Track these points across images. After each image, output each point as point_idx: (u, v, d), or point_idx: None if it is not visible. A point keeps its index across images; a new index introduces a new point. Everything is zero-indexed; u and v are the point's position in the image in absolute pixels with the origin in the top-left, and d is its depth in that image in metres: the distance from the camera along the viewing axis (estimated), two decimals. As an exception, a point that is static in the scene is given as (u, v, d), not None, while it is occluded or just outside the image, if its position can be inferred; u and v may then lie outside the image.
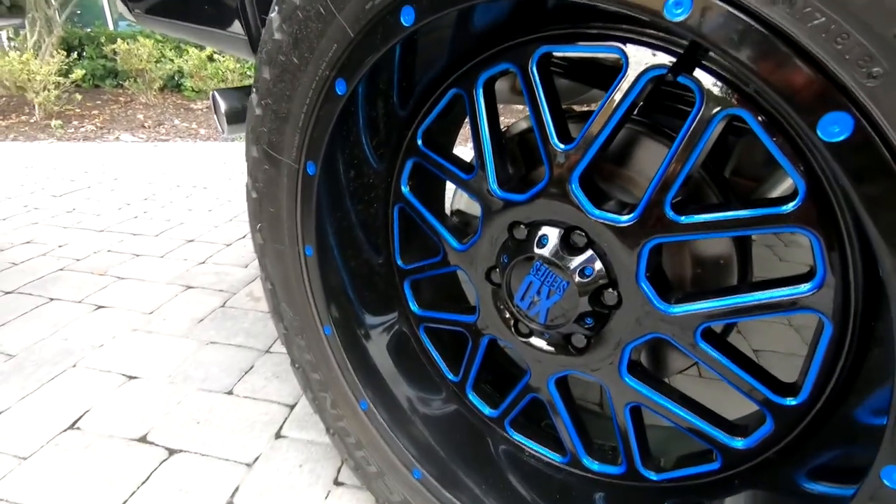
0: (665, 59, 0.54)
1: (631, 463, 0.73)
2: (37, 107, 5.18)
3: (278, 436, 1.21)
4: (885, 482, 0.40)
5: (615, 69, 0.59)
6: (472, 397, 0.90)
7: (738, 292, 0.57)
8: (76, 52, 6.76)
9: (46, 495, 1.03)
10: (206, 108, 5.98)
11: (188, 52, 6.01)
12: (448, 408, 0.91)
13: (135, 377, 1.40)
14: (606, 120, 0.59)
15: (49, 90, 5.16)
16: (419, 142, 0.80)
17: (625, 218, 0.60)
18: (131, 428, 1.22)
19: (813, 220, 0.50)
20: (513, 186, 0.71)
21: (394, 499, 0.88)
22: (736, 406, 0.74)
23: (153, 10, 1.37)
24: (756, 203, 0.53)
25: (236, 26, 1.10)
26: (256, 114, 0.77)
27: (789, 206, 0.51)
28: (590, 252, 0.65)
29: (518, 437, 0.86)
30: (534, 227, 0.69)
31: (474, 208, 0.79)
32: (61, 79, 5.34)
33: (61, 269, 2.05)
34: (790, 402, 0.57)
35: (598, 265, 0.64)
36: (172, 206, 2.87)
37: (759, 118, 0.50)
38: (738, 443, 0.62)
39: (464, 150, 3.55)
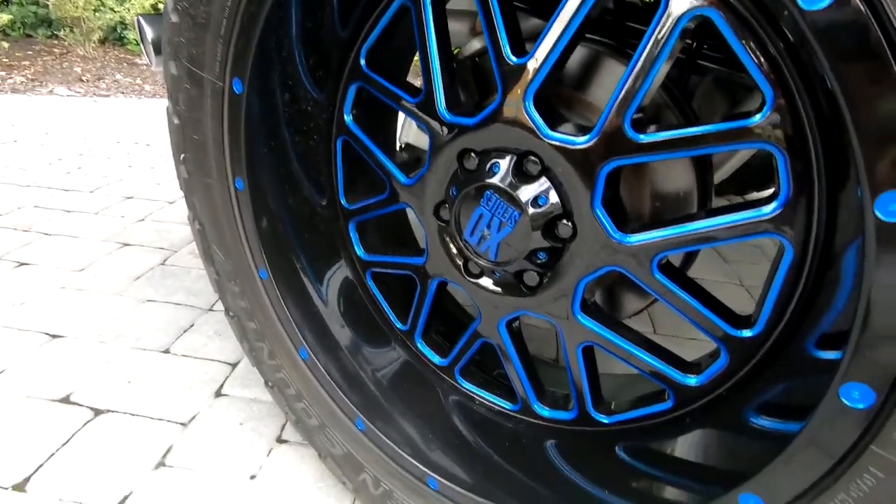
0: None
1: (582, 407, 0.71)
2: (-43, 55, 4.68)
3: (218, 394, 1.14)
4: (844, 400, 0.38)
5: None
6: (421, 346, 0.85)
7: (698, 218, 0.53)
8: (3, -3, 6.14)
9: (-50, 460, 0.93)
10: (152, 63, 5.58)
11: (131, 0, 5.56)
12: (395, 357, 0.86)
13: (59, 336, 1.29)
14: (562, 30, 0.53)
15: (-29, 36, 4.68)
16: (362, 62, 0.73)
17: (581, 139, 0.55)
18: (52, 388, 1.12)
19: (779, 134, 0.46)
20: (463, 111, 0.65)
21: (336, 451, 0.83)
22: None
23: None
24: (719, 119, 0.49)
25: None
26: (172, 21, 0.67)
27: (755, 119, 0.47)
28: (543, 180, 0.60)
29: (468, 386, 0.82)
30: (485, 155, 0.63)
31: (424, 141, 0.73)
32: (-16, 24, 4.84)
33: (-21, 225, 1.87)
34: (746, 334, 0.54)
35: (552, 194, 0.59)
36: (110, 163, 2.67)
37: (729, 18, 0.45)
38: (691, 380, 0.60)
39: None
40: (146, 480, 0.92)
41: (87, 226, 1.91)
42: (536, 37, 0.56)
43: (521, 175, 0.61)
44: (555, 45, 0.54)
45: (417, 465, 0.73)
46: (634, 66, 0.50)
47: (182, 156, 0.77)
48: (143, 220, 1.99)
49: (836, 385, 0.38)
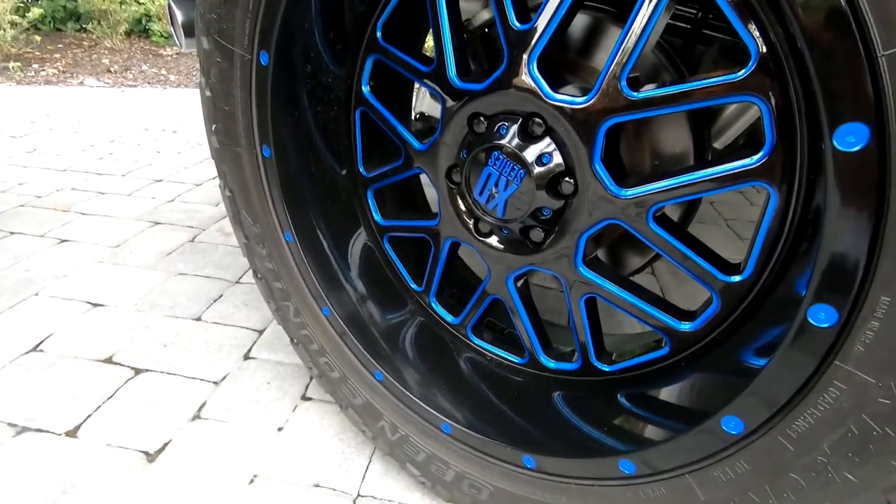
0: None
1: (586, 357, 0.75)
2: (-8, 48, 4.87)
3: (246, 357, 1.21)
4: (811, 321, 0.42)
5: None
6: (435, 305, 0.90)
7: (689, 170, 0.57)
8: (33, -8, 6.33)
9: (7, 409, 1.02)
10: (177, 53, 5.72)
11: (155, -7, 5.68)
12: (410, 315, 0.91)
13: (100, 304, 1.38)
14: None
15: (5, 30, 4.86)
16: (379, 35, 0.77)
17: (581, 99, 0.59)
18: (96, 350, 1.21)
19: (764, 86, 0.50)
20: (472, 78, 0.69)
21: (356, 402, 0.89)
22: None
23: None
24: (708, 75, 0.52)
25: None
26: (205, -1, 0.73)
27: (741, 73, 0.50)
28: (547, 139, 0.64)
29: (479, 343, 0.87)
30: (493, 119, 0.68)
31: (437, 110, 0.77)
32: (17, 18, 5.02)
33: (21, 206, 1.98)
34: (735, 279, 0.58)
35: (555, 152, 0.64)
36: (140, 149, 2.78)
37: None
38: (686, 326, 0.64)
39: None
40: (183, 430, 1.00)
41: (120, 206, 2.01)
42: (539, 5, 0.60)
43: (527, 136, 0.65)
44: (556, 11, 0.58)
45: (432, 411, 0.79)
46: (629, 29, 0.54)
47: (213, 126, 0.84)
48: (172, 200, 2.09)
49: (804, 307, 0.42)
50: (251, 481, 0.90)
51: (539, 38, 0.60)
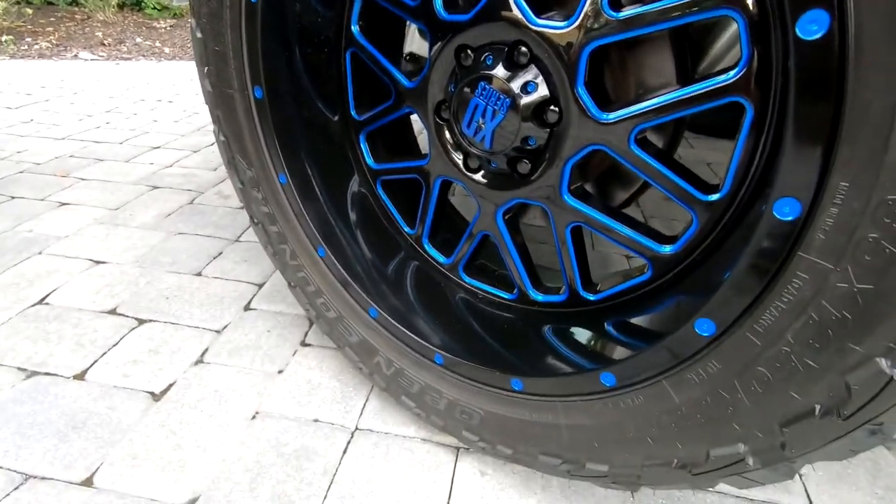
0: None
1: (573, 288, 0.78)
2: (-16, 22, 4.81)
3: (247, 308, 1.24)
4: (776, 215, 0.44)
5: None
6: (428, 248, 0.93)
7: (668, 91, 0.58)
8: (23, -35, 6.20)
9: (16, 356, 1.06)
10: (170, 26, 5.64)
11: (146, -36, 5.57)
12: (404, 257, 0.94)
13: (102, 262, 1.41)
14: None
15: (-4, 3, 4.79)
16: (366, -29, 0.78)
17: (563, 24, 0.60)
18: (100, 303, 1.24)
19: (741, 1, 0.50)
20: (458, 10, 0.70)
21: (352, 340, 0.92)
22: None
23: None
24: (688, -9, 0.53)
25: None
26: (192, -65, 0.73)
27: (719, -13, 0.51)
28: (532, 67, 0.65)
29: (470, 281, 0.90)
30: (479, 50, 0.69)
31: (426, 49, 0.78)
32: (8, -10, 4.94)
33: (21, 172, 1.99)
34: (713, 197, 0.60)
35: (540, 80, 0.65)
36: (136, 118, 2.77)
37: None
38: (667, 249, 0.66)
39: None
40: (187, 374, 1.04)
41: (119, 172, 2.02)
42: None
43: (512, 65, 0.66)
44: (539, -68, 0.59)
45: (425, 344, 0.82)
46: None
47: (206, 69, 0.84)
48: (170, 166, 2.10)
49: (771, 201, 0.44)
50: (253, 417, 0.94)
51: (522, -37, 0.60)
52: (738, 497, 0.82)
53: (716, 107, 0.57)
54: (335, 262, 0.89)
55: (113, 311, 1.21)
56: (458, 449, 0.89)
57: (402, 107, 0.83)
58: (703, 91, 0.55)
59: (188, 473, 0.83)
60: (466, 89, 0.70)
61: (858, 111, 0.37)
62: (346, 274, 0.88)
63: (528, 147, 0.69)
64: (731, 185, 0.58)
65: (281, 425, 0.93)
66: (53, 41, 4.89)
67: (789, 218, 0.43)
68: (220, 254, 1.47)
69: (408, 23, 0.88)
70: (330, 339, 0.99)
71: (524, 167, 0.72)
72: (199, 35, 0.83)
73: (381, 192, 0.95)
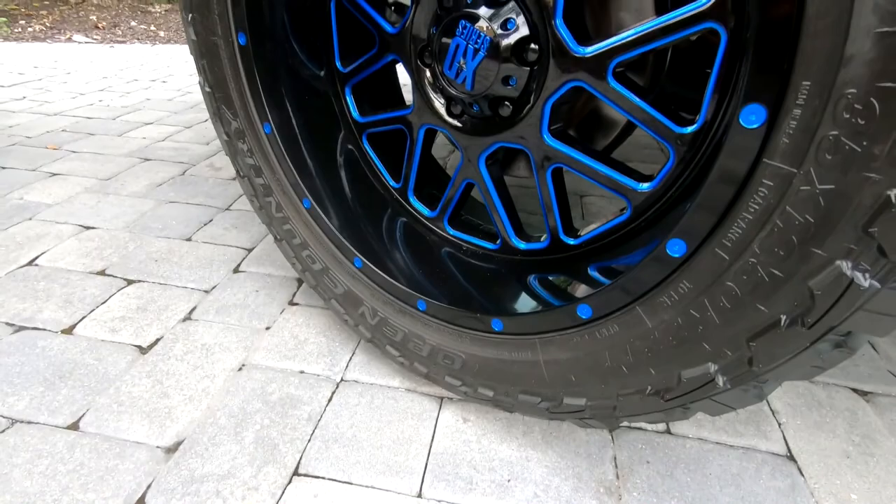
0: None
1: (554, 234, 0.78)
2: (-23, 5, 4.78)
3: (236, 271, 1.25)
4: (743, 123, 0.44)
5: None
6: (414, 201, 0.93)
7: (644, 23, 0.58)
8: (16, -52, 6.14)
9: (4, 312, 1.06)
10: (165, 10, 5.60)
11: (140, -53, 5.52)
12: (389, 208, 0.94)
13: (92, 227, 1.41)
14: None
15: (-12, -15, 4.75)
16: (349, -86, 0.77)
17: (543, -45, 0.61)
18: (89, 264, 1.24)
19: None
20: (441, -51, 0.70)
21: (338, 291, 0.93)
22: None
23: None
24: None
25: None
26: None
27: None
28: (511, 4, 0.65)
29: (455, 233, 0.90)
30: (460, -10, 0.69)
31: (410, -4, 0.78)
32: (1, -27, 4.90)
33: (12, 145, 1.99)
34: (689, 129, 0.60)
35: (519, 16, 0.65)
36: (129, 97, 2.76)
37: None
38: (645, 186, 0.67)
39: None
40: (175, 329, 1.04)
41: (111, 146, 2.02)
42: None
43: (492, 2, 0.66)
44: None
45: (408, 290, 0.82)
46: None
47: (190, 16, 0.84)
48: (162, 140, 2.09)
49: (737, 109, 0.44)
50: (239, 369, 0.95)
51: None
52: (717, 444, 0.83)
53: (693, 34, 0.57)
54: (320, 213, 0.89)
55: (102, 273, 1.22)
56: (441, 398, 0.90)
57: (385, 54, 0.83)
58: (677, 19, 0.56)
59: (174, 419, 0.84)
60: (448, 30, 0.70)
61: (817, 7, 0.37)
62: (330, 225, 0.88)
63: (509, 86, 0.70)
64: (707, 114, 0.59)
65: (267, 376, 0.93)
66: (48, 24, 4.86)
67: (755, 126, 0.44)
68: (211, 221, 1.47)
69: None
70: (317, 296, 1.00)
71: (505, 109, 0.72)
72: (182, -19, 0.82)
73: (366, 145, 0.96)
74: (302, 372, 0.95)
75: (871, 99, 0.37)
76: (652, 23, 0.58)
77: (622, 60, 0.61)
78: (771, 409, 0.90)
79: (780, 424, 0.87)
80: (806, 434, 0.86)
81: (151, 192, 1.63)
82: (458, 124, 0.79)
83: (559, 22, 0.62)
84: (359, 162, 0.96)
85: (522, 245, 0.83)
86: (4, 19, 4.62)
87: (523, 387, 0.73)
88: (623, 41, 0.60)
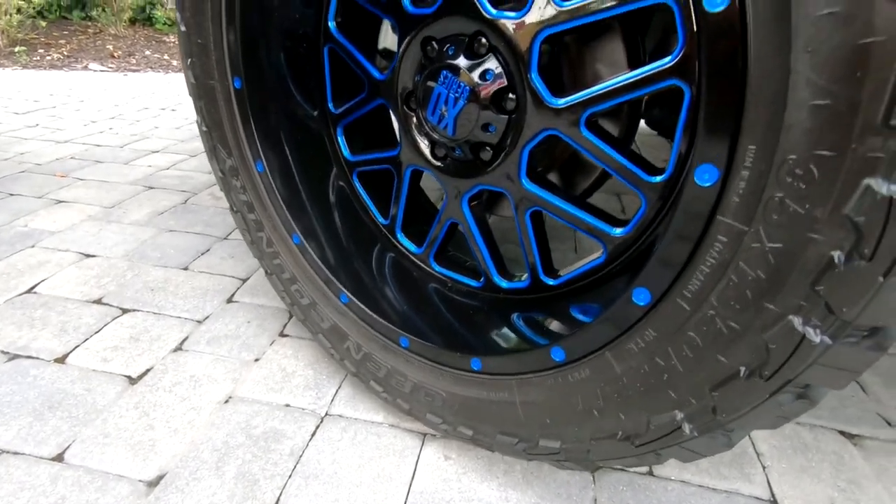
0: None
1: (535, 274, 0.80)
2: (-1, 34, 4.97)
3: (230, 301, 1.27)
4: (697, 182, 0.46)
5: None
6: (401, 237, 0.95)
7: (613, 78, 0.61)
8: (39, -19, 6.41)
9: (0, 340, 1.08)
10: (179, 40, 5.78)
11: (158, -20, 5.75)
12: (376, 245, 0.96)
13: (92, 255, 1.44)
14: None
15: (11, 15, 4.94)
16: (340, -31, 0.82)
17: (516, 13, 0.64)
18: (86, 292, 1.27)
19: (675, -12, 0.54)
20: (423, 3, 0.73)
21: (325, 325, 0.94)
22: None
23: None
24: (629, -20, 0.56)
25: None
26: (176, -68, 0.77)
27: (654, -25, 0.54)
28: (490, 56, 0.68)
29: (440, 270, 0.92)
30: (442, 42, 0.72)
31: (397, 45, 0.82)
32: (23, 3, 5.10)
33: (22, 172, 2.05)
34: (657, 179, 0.62)
35: (497, 67, 0.68)
36: (139, 125, 2.84)
37: None
38: (619, 231, 0.68)
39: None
40: (165, 360, 1.06)
41: (117, 173, 2.07)
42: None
43: (472, 54, 0.69)
44: (494, -71, 0.63)
45: (392, 327, 0.84)
46: (559, -58, 0.58)
47: (189, 60, 0.88)
48: (167, 168, 2.15)
49: (691, 169, 0.46)
50: (226, 401, 0.96)
51: (479, -43, 0.64)
52: (699, 486, 0.83)
53: (659, 90, 0.60)
54: (308, 249, 0.91)
55: (98, 301, 1.24)
56: (424, 435, 0.91)
57: (374, 99, 0.87)
58: (644, 76, 0.58)
59: (157, 452, 0.85)
60: (431, 79, 0.73)
61: (759, 78, 0.40)
62: (319, 262, 0.91)
63: (488, 133, 0.72)
64: (674, 166, 0.61)
65: (252, 409, 0.94)
66: (65, 53, 5.03)
67: (708, 184, 0.45)
68: (208, 250, 1.50)
69: (382, 19, 0.92)
70: (305, 328, 1.01)
71: (485, 154, 0.75)
72: (183, 28, 0.87)
73: (356, 182, 0.98)
74: (287, 405, 0.95)
75: (811, 165, 0.39)
76: (620, 78, 0.60)
77: (594, 111, 0.64)
78: (756, 452, 0.90)
79: (764, 468, 0.87)
80: (790, 478, 0.85)
81: (153, 220, 1.67)
82: (442, 166, 0.81)
83: (534, 75, 0.65)
84: (349, 199, 0.99)
85: (504, 284, 0.84)
86: (24, 48, 4.79)
87: (501, 427, 0.74)
88: (593, 94, 0.62)
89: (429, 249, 0.92)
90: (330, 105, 0.95)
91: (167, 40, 5.82)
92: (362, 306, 0.87)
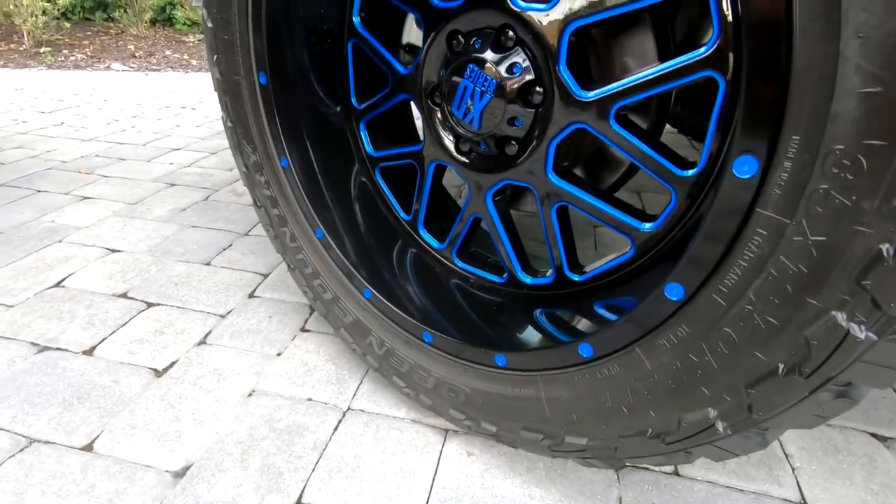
0: None
1: (560, 269, 0.79)
2: (25, 34, 5.08)
3: (251, 296, 1.28)
4: (736, 173, 0.45)
5: None
6: (423, 233, 0.95)
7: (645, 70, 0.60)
8: (63, -17, 6.55)
9: (30, 332, 1.11)
10: (198, 40, 5.86)
11: (178, -19, 5.83)
12: (399, 240, 0.96)
13: (117, 250, 1.47)
14: None
15: (37, 17, 5.06)
16: (366, -36, 0.82)
17: (545, 6, 0.63)
18: (112, 287, 1.29)
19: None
20: (450, -3, 0.73)
21: (347, 320, 0.94)
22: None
23: None
24: (662, -30, 0.55)
25: None
26: (204, -71, 0.78)
27: (689, -36, 0.53)
28: (517, 49, 0.68)
29: (463, 266, 0.92)
30: (469, 35, 0.72)
31: (422, 40, 0.82)
32: (48, 5, 5.21)
33: (48, 169, 2.09)
34: (690, 173, 0.61)
35: (525, 60, 0.67)
36: (160, 123, 2.88)
37: None
38: (648, 226, 0.67)
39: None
40: (190, 353, 1.07)
41: (140, 170, 2.11)
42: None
43: (499, 47, 0.69)
44: (523, -79, 0.62)
45: (415, 322, 0.84)
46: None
47: (215, 57, 0.89)
48: (189, 166, 2.17)
49: (729, 163, 0.45)
50: (249, 395, 0.97)
51: (508, -51, 0.64)
52: (727, 487, 0.81)
53: (692, 82, 0.58)
54: (332, 244, 0.91)
55: (124, 295, 1.26)
56: (446, 431, 0.90)
57: (398, 94, 0.86)
58: (677, 67, 0.57)
59: (183, 443, 0.86)
60: (456, 72, 0.73)
61: (804, 66, 0.39)
62: (342, 256, 0.91)
63: (515, 127, 0.72)
64: (707, 159, 0.60)
65: (275, 403, 0.95)
66: (88, 53, 5.13)
67: (747, 176, 0.44)
68: (230, 245, 1.51)
69: (406, 13, 0.92)
70: (327, 323, 1.02)
71: (511, 148, 0.74)
72: (209, 25, 0.87)
73: (378, 178, 0.99)
74: (310, 399, 0.96)
75: (859, 155, 0.37)
76: (651, 70, 0.59)
77: (624, 104, 0.63)
78: (785, 453, 0.88)
79: (793, 469, 0.85)
80: (821, 480, 0.83)
81: (175, 216, 1.69)
82: (467, 161, 0.81)
83: (563, 67, 0.64)
84: (371, 195, 0.99)
85: (528, 280, 0.83)
86: (49, 49, 4.90)
87: (526, 423, 0.73)
88: (623, 86, 0.61)
89: (451, 245, 0.92)
90: (353, 100, 0.96)
91: (187, 40, 5.90)
92: (385, 301, 0.87)
